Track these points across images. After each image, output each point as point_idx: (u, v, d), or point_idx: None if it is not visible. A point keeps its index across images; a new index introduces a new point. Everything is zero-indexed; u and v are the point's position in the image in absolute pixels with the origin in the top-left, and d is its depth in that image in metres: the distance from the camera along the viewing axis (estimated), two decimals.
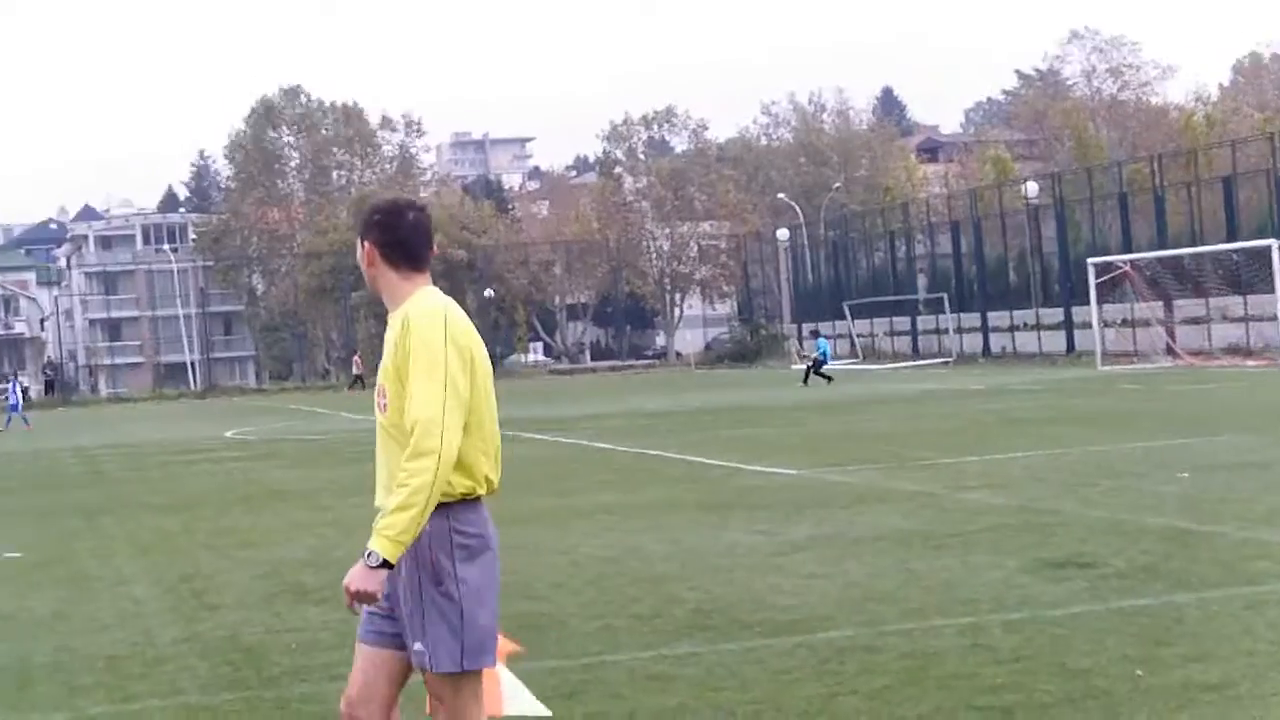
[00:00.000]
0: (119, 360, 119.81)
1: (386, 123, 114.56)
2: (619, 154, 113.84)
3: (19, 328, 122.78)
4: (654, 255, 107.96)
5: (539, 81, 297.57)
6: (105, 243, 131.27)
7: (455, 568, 5.31)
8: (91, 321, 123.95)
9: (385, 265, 5.59)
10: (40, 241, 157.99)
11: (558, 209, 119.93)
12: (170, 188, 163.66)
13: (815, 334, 59.63)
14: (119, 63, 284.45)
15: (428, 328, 5.34)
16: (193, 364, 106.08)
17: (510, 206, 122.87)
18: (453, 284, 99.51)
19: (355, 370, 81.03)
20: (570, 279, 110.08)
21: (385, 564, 5.16)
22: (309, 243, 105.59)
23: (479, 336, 5.57)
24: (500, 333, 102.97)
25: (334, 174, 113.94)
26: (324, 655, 9.96)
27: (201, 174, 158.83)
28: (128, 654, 10.34)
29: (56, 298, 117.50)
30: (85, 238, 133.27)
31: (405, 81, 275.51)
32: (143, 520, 19.26)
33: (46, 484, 27.22)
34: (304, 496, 21.39)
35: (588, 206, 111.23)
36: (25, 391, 58.35)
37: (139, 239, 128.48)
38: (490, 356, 5.52)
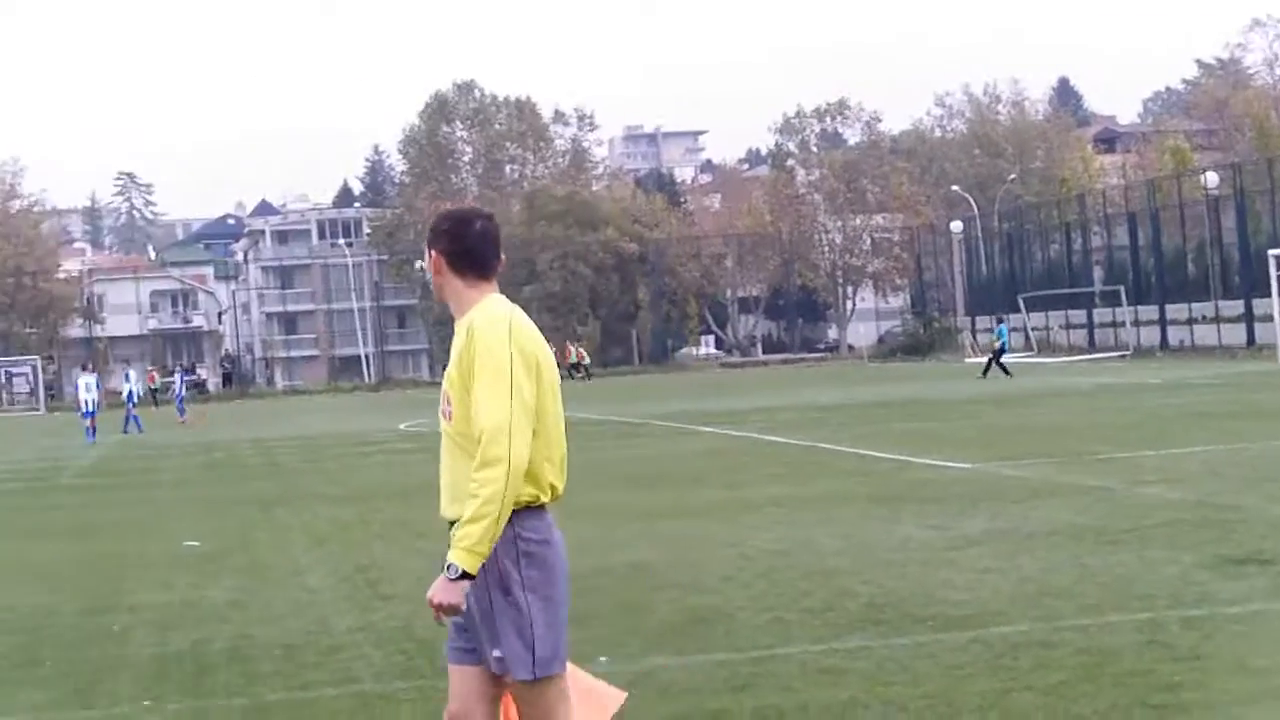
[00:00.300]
0: (294, 353, 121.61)
1: (559, 116, 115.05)
2: (791, 146, 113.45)
3: (197, 321, 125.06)
4: (826, 248, 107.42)
5: (711, 74, 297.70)
6: (281, 237, 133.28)
7: (521, 575, 5.31)
8: (268, 315, 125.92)
9: (452, 274, 5.63)
10: (218, 236, 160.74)
11: (730, 202, 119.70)
12: (345, 183, 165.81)
13: (1000, 321, 59.00)
14: (296, 60, 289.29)
15: (491, 335, 5.35)
16: (367, 357, 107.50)
17: (682, 200, 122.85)
18: (624, 277, 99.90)
19: (573, 359, 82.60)
20: (742, 272, 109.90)
21: (465, 575, 5.17)
22: None
23: (545, 343, 5.57)
24: (671, 325, 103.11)
25: (507, 168, 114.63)
26: None
27: (376, 169, 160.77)
28: (303, 642, 10.49)
29: (234, 292, 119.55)
30: (262, 233, 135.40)
31: (578, 75, 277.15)
32: (318, 511, 19.55)
33: (225, 475, 27.72)
34: None
35: (760, 199, 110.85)
36: (154, 389, 57.28)
37: (314, 234, 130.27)
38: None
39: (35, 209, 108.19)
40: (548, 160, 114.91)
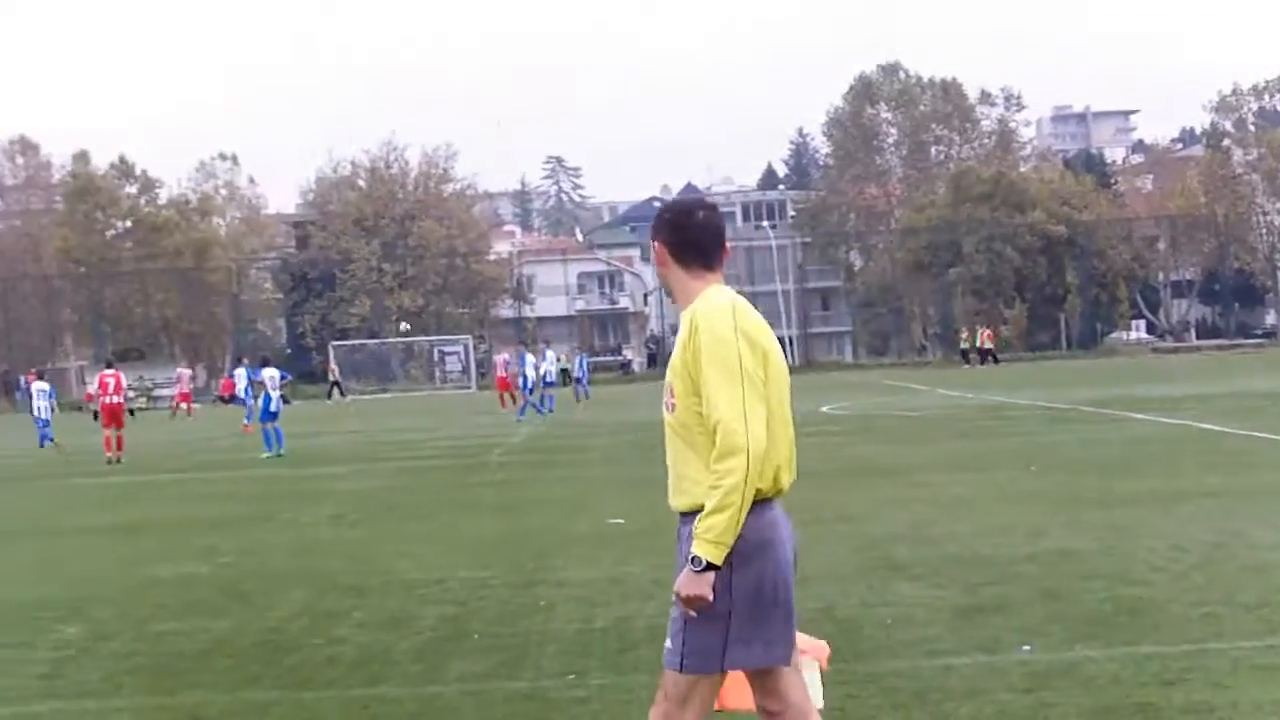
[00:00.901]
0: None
1: (985, 97, 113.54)
2: (1228, 125, 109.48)
3: (623, 303, 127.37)
4: (1264, 230, 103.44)
5: (1142, 52, 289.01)
6: None
7: (731, 571, 5.21)
8: None
9: (675, 264, 5.55)
10: (644, 219, 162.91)
11: (1162, 183, 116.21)
12: (770, 165, 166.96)
13: None
14: (721, 45, 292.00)
15: (718, 324, 5.27)
16: (790, 339, 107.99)
17: (1112, 181, 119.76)
18: (1051, 260, 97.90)
19: (977, 343, 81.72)
20: (1175, 255, 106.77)
21: (711, 566, 5.13)
22: (907, 219, 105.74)
23: (771, 334, 5.44)
24: (1101, 310, 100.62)
25: (932, 150, 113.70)
26: (918, 631, 9.90)
27: (800, 151, 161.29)
28: None
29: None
30: None
31: (1005, 55, 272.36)
32: None
33: (652, 454, 28.08)
34: (899, 473, 21.38)
35: (1194, 180, 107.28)
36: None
37: (739, 216, 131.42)
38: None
39: (468, 192, 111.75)
40: (973, 141, 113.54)
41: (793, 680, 5.56)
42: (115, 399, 34.64)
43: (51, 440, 41.33)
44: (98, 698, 9.21)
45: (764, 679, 5.52)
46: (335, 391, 78.36)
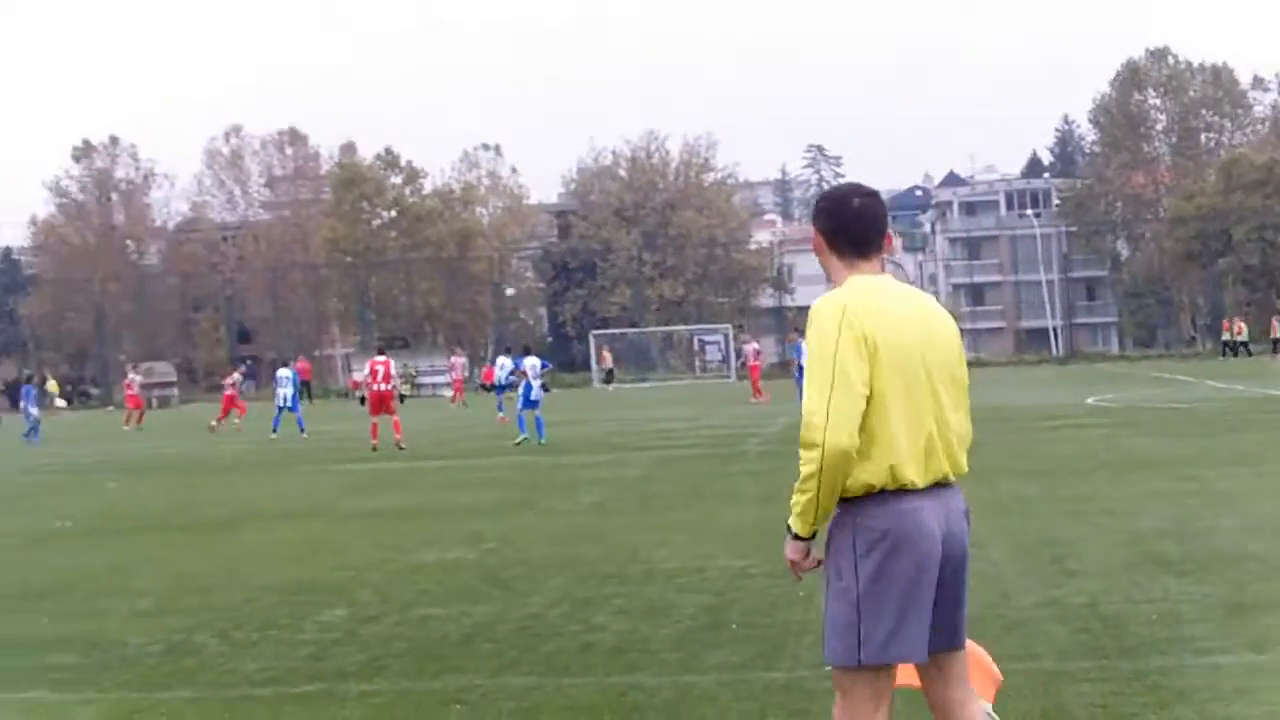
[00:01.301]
0: (980, 325, 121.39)
1: (1258, 82, 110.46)
2: None
3: None
4: None
5: None
6: (969, 209, 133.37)
7: (856, 562, 5.25)
8: (955, 286, 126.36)
9: (830, 252, 5.52)
10: (906, 208, 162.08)
11: None
12: (1034, 153, 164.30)
13: None
14: (984, 33, 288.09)
15: (824, 319, 5.27)
16: (1054, 330, 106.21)
17: None
18: None
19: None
20: None
21: (798, 536, 5.39)
22: (1175, 207, 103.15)
23: (909, 326, 5.34)
24: None
25: (1202, 136, 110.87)
26: (1185, 629, 9.64)
27: (1065, 139, 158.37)
28: (985, 615, 10.33)
29: (921, 263, 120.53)
30: (949, 204, 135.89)
31: (1278, 38, 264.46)
32: (1001, 484, 19.28)
33: None
34: (1167, 465, 20.86)
35: None
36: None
37: (1002, 204, 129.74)
38: None
39: (728, 182, 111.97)
40: (1246, 128, 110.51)
41: (951, 678, 5.50)
42: (384, 386, 35.25)
43: (275, 430, 42.93)
44: (360, 680, 9.37)
45: (927, 673, 5.51)
46: (608, 378, 80.00)
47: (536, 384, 34.33)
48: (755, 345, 61.37)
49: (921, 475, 5.29)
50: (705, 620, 10.81)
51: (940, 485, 5.36)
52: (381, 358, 36.55)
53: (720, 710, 8.24)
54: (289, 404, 44.66)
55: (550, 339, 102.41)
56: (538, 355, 36.75)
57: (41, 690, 9.49)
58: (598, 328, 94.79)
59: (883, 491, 5.26)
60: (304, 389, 75.88)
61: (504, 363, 49.86)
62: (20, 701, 9.20)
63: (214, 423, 48.24)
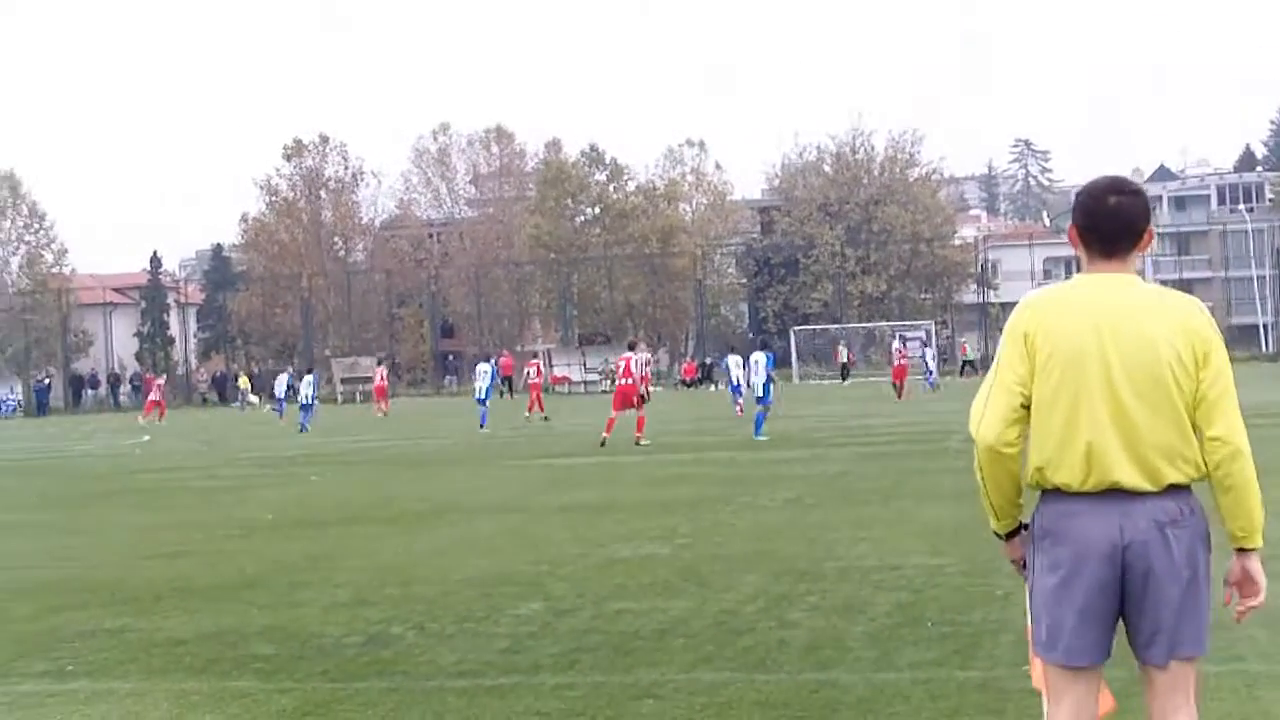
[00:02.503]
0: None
1: None
2: None
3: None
4: None
5: None
6: (1179, 203, 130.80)
7: (1033, 556, 5.27)
8: (1163, 282, 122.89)
9: (1081, 247, 5.41)
10: None
11: None
12: (1248, 146, 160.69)
13: None
14: (1192, 25, 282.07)
15: (1012, 315, 5.28)
16: (1265, 326, 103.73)
17: None
18: None
19: None
20: None
21: (995, 533, 5.44)
22: None
23: (1096, 325, 5.15)
24: None
25: None
26: None
27: None
28: None
29: None
30: (1159, 199, 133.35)
31: None
32: (1208, 482, 18.87)
33: None
34: None
35: None
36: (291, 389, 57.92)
37: (1214, 199, 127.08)
38: None
39: (933, 176, 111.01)
40: None
41: (1156, 691, 5.29)
42: (627, 381, 35.15)
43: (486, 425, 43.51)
44: (554, 672, 9.41)
45: (1141, 682, 5.35)
46: (844, 374, 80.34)
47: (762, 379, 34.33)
48: (899, 345, 61.01)
49: (1078, 479, 5.13)
50: (900, 618, 10.71)
51: (1118, 491, 5.12)
52: (629, 354, 36.16)
53: (914, 708, 8.15)
54: (483, 396, 45.24)
55: (750, 335, 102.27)
56: (761, 350, 36.46)
57: (245, 679, 9.66)
58: (799, 324, 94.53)
59: (1047, 491, 5.23)
60: (506, 384, 76.82)
61: (735, 361, 50.45)
62: (225, 690, 9.37)
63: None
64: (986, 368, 48.28)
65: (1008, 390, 5.19)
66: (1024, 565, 5.37)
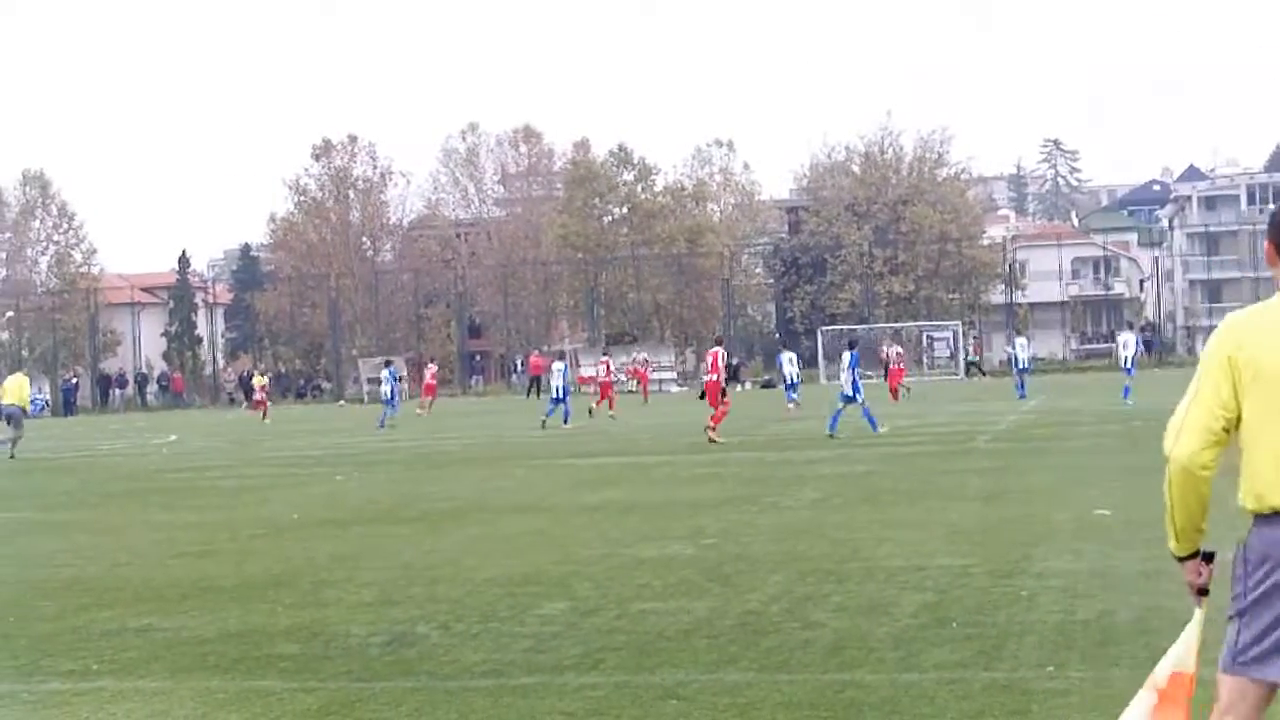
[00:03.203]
0: (1216, 322, 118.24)
1: None
2: None
3: (1118, 288, 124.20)
4: None
5: None
6: (1209, 203, 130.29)
7: (1245, 576, 5.14)
8: (1191, 282, 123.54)
9: (1277, 263, 5.33)
10: (1143, 202, 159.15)
11: None
12: (1278, 146, 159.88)
13: None
14: (1223, 24, 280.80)
15: (1214, 333, 5.25)
16: None
17: None
18: None
19: None
20: None
21: (1175, 555, 5.34)
22: None
23: None
24: None
25: None
26: None
27: None
28: (1212, 617, 10.01)
29: (1157, 258, 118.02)
30: (1189, 198, 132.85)
31: None
32: (1234, 483, 18.80)
33: (1143, 443, 27.31)
34: None
35: None
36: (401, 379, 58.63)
37: (1243, 199, 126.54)
38: None
39: (962, 176, 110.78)
40: None
41: None
42: (713, 378, 35.42)
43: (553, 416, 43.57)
44: (578, 672, 9.41)
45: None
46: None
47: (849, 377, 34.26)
48: (897, 349, 61.07)
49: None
50: (925, 619, 10.68)
51: None
52: (716, 347, 36.91)
53: (938, 709, 8.12)
54: (561, 395, 45.46)
55: (778, 334, 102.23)
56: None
57: (269, 679, 9.68)
58: (826, 324, 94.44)
59: (1264, 515, 5.12)
60: (534, 384, 76.93)
61: (789, 357, 51.41)
62: (249, 689, 9.38)
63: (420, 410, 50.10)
64: (981, 369, 48.48)
65: (1209, 412, 5.13)
66: (1202, 592, 5.34)
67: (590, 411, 49.41)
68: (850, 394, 34.02)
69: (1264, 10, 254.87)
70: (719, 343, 37.68)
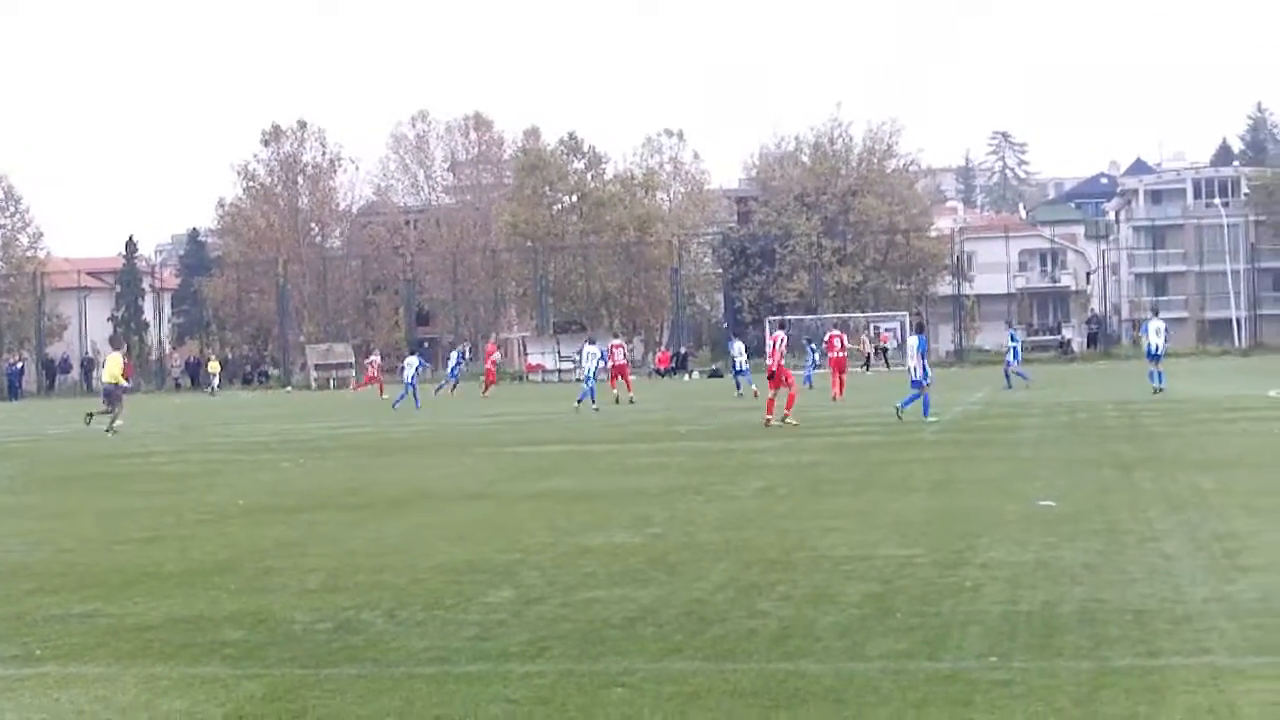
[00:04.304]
0: (1162, 315, 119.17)
1: None
2: None
3: (1065, 281, 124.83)
4: None
5: None
6: (1155, 197, 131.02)
7: None
8: (1137, 275, 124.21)
9: None
10: (1090, 196, 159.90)
11: None
12: (1224, 141, 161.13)
13: None
14: (1173, 17, 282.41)
15: None
16: (1238, 321, 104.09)
17: None
18: None
19: None
20: None
21: None
22: None
23: None
24: None
25: None
26: None
27: (1258, 126, 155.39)
28: (1155, 609, 10.20)
29: (1104, 251, 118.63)
30: (1135, 192, 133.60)
31: None
32: (1178, 476, 19.00)
33: (1086, 436, 27.51)
34: None
35: None
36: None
37: (1189, 193, 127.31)
38: None
39: (911, 168, 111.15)
40: None
41: None
42: (772, 362, 35.24)
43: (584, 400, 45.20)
44: (523, 660, 9.41)
45: None
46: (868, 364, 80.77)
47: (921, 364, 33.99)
48: (838, 333, 61.16)
49: None
50: (870, 608, 10.72)
51: None
52: (779, 331, 37.08)
53: (882, 699, 8.16)
54: (590, 376, 45.90)
55: (725, 324, 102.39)
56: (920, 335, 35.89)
57: (213, 665, 9.65)
58: (774, 314, 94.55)
59: None
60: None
61: (739, 347, 51.93)
62: (193, 675, 9.36)
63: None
64: (887, 360, 48.53)
65: None
66: None
67: (617, 400, 49.48)
68: (920, 379, 33.70)
69: (1211, 6, 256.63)
70: (782, 326, 38.47)
